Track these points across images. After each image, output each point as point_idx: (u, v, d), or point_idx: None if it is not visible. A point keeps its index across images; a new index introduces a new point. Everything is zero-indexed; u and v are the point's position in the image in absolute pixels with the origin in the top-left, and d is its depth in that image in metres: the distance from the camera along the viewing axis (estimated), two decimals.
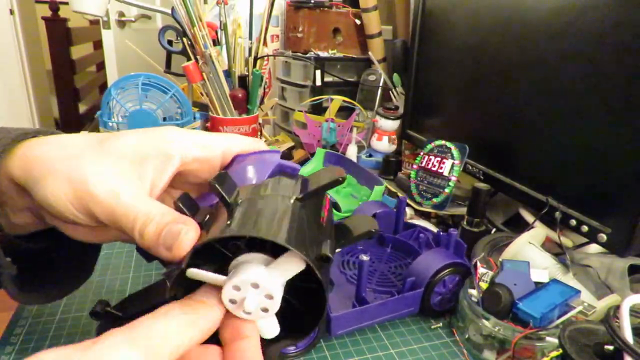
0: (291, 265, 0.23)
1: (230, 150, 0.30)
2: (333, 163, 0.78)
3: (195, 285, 0.24)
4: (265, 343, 0.24)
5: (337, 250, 0.26)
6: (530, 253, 0.49)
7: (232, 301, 0.23)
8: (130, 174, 0.26)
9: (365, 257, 0.43)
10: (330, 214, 0.29)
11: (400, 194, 0.72)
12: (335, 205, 0.60)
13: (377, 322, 0.45)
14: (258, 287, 0.22)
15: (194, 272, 0.22)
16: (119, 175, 0.25)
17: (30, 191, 0.25)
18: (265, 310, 0.23)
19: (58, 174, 0.24)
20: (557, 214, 0.50)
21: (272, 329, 0.25)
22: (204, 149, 0.29)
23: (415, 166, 0.69)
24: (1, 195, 0.26)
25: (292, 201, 0.24)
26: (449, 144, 0.67)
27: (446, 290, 0.47)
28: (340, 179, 0.25)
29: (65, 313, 0.46)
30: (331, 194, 0.63)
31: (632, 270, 0.48)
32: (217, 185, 0.23)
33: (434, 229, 0.58)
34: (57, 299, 0.33)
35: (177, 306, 0.22)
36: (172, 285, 0.23)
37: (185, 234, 0.23)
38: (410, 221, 0.60)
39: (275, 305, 0.23)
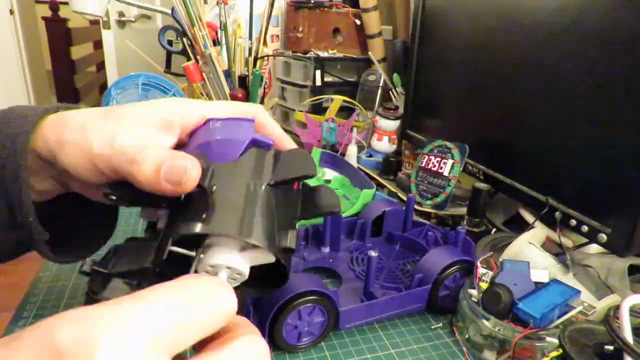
0: (261, 256, 0.26)
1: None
2: (329, 163, 0.78)
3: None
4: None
5: (300, 222, 0.29)
6: (531, 253, 0.49)
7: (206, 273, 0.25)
8: (129, 129, 0.28)
9: (373, 253, 0.43)
10: (299, 186, 0.31)
11: (400, 194, 0.72)
12: None
13: (385, 317, 0.45)
14: (230, 269, 0.25)
15: (175, 249, 0.25)
16: (117, 129, 0.27)
17: (53, 161, 0.28)
18: (233, 280, 0.26)
19: (72, 143, 0.27)
20: (557, 214, 0.50)
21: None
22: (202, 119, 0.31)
23: (415, 166, 0.69)
24: (30, 167, 0.28)
25: (263, 188, 0.26)
26: (449, 144, 0.67)
27: (454, 287, 0.47)
28: (310, 175, 0.28)
29: (67, 306, 0.46)
30: None
31: (632, 270, 0.48)
32: None
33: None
34: (85, 257, 0.35)
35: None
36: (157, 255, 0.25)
37: (192, 169, 0.25)
38: None
39: (243, 278, 0.26)
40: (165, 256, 0.24)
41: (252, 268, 0.26)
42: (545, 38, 0.52)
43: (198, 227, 0.23)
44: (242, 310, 0.29)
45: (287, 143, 0.33)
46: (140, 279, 0.25)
